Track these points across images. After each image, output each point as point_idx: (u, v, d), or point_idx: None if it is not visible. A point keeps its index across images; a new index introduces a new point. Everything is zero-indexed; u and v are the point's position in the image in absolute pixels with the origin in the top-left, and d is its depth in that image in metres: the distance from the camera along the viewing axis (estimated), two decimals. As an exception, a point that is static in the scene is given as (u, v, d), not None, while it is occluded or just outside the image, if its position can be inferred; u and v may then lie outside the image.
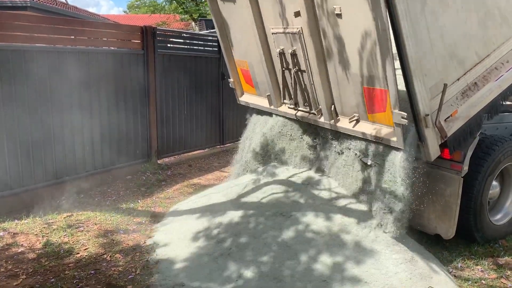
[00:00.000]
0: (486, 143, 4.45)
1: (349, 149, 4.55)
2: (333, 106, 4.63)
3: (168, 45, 7.61)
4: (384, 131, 4.09)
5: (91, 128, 6.18)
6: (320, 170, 4.92)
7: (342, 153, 4.67)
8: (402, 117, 3.72)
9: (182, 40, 8.29)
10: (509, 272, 4.08)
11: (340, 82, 4.40)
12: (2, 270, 3.93)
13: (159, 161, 7.39)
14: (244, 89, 6.30)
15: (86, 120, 6.09)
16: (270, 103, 5.60)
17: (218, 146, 8.81)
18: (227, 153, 8.62)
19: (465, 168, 4.17)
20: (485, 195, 4.44)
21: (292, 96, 5.14)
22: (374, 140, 4.18)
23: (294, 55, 4.78)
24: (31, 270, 3.94)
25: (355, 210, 4.25)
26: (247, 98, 6.23)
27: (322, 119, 4.80)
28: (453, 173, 4.20)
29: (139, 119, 6.95)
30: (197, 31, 20.74)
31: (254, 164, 5.75)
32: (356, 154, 4.45)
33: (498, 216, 4.81)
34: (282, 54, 4.97)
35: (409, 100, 3.79)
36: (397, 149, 3.99)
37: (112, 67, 6.39)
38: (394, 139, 3.93)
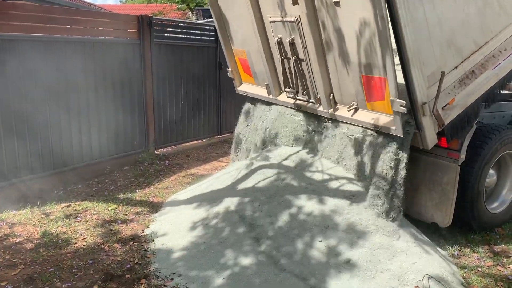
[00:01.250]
0: (483, 131, 4.45)
1: (344, 133, 4.58)
2: (331, 94, 4.63)
3: (165, 34, 7.55)
4: (383, 119, 4.09)
5: (88, 118, 6.15)
6: (312, 151, 4.93)
7: (335, 135, 4.69)
8: (401, 105, 3.72)
9: (179, 30, 8.23)
10: (505, 259, 4.11)
11: (339, 70, 4.39)
12: (0, 260, 3.94)
13: (156, 151, 7.38)
14: (243, 78, 6.29)
15: (82, 111, 6.07)
16: (269, 93, 5.60)
17: (216, 136, 8.79)
18: (225, 143, 8.61)
19: (462, 156, 4.18)
20: (482, 183, 4.45)
21: (291, 85, 5.13)
22: (373, 128, 4.18)
23: (292, 43, 4.76)
24: (29, 260, 3.95)
25: (349, 192, 4.25)
26: (246, 88, 6.22)
27: (321, 108, 4.81)
28: (450, 161, 4.21)
29: (136, 109, 6.92)
30: (194, 20, 20.58)
31: (249, 149, 5.80)
32: (349, 136, 4.48)
33: (495, 205, 4.83)
34: (280, 43, 4.95)
35: (406, 89, 3.79)
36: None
37: (108, 56, 6.35)
38: (393, 127, 3.94)
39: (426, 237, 4.15)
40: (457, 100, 4.13)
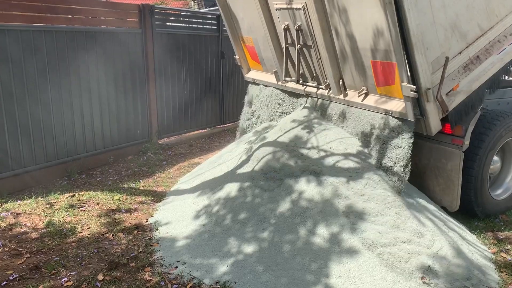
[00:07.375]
0: (488, 118, 4.41)
1: (343, 112, 4.62)
2: (341, 80, 4.61)
3: (167, 23, 7.50)
4: (393, 103, 4.10)
5: (91, 108, 6.15)
6: (311, 131, 4.91)
7: (335, 115, 4.70)
8: (411, 90, 3.72)
9: (180, 19, 8.17)
10: (509, 246, 4.10)
11: (348, 56, 4.37)
12: (6, 249, 3.96)
13: (159, 141, 7.39)
14: (251, 65, 6.27)
15: (85, 101, 6.06)
16: (277, 79, 5.58)
17: (219, 126, 8.78)
18: (227, 132, 8.60)
19: (466, 142, 4.16)
20: (486, 170, 4.43)
21: (300, 72, 5.11)
22: (384, 113, 4.17)
23: (299, 30, 4.73)
24: (34, 249, 3.98)
25: (349, 173, 4.21)
26: (254, 75, 6.20)
27: (330, 94, 4.79)
28: (454, 147, 4.19)
29: (139, 99, 6.91)
30: (195, 9, 20.45)
31: (247, 130, 5.83)
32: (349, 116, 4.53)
33: (499, 191, 4.81)
34: (287, 30, 4.92)
35: (410, 74, 3.76)
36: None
37: (110, 46, 6.32)
38: (404, 111, 3.95)
39: (435, 215, 4.11)
40: (461, 86, 4.10)
